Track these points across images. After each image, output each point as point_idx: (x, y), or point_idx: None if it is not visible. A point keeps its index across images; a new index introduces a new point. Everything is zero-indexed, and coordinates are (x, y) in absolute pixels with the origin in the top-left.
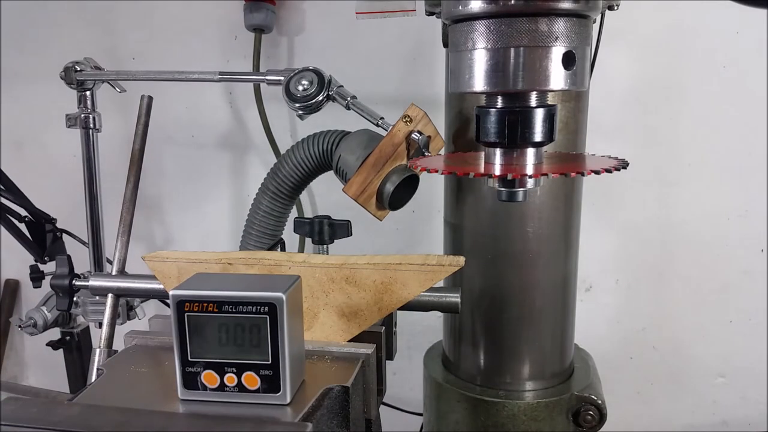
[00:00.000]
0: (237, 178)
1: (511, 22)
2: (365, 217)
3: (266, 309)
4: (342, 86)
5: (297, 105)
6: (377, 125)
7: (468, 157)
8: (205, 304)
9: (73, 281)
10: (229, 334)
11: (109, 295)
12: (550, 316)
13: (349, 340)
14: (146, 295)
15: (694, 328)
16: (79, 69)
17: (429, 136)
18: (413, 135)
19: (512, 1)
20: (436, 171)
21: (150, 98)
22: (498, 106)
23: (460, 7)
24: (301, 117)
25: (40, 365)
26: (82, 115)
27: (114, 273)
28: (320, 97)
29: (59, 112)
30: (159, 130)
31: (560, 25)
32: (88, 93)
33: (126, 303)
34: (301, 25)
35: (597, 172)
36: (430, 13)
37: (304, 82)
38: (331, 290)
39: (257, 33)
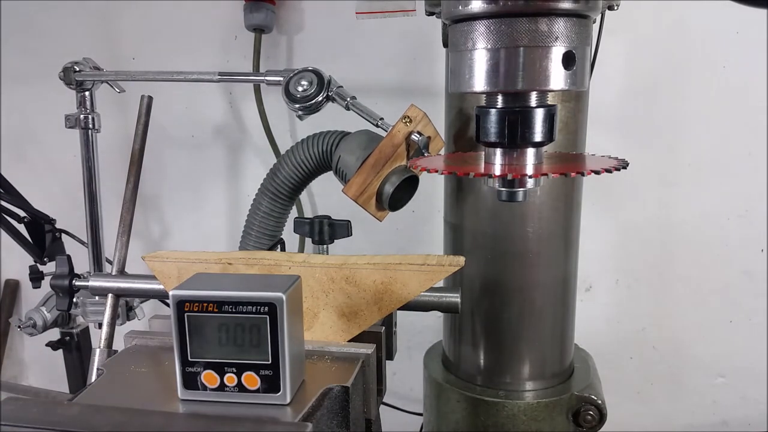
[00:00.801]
0: (236, 179)
1: (511, 22)
2: (365, 217)
3: (266, 309)
4: (341, 87)
5: (296, 105)
6: (377, 126)
7: (468, 157)
8: (205, 304)
9: (73, 281)
10: (229, 334)
11: (109, 295)
12: (550, 315)
13: (349, 340)
14: (146, 295)
15: (694, 328)
16: (78, 69)
17: (429, 137)
18: (413, 136)
19: (512, 2)
20: (437, 171)
21: (150, 98)
22: (498, 106)
23: (460, 7)
24: (300, 117)
25: (39, 366)
26: (81, 116)
27: (114, 273)
28: (320, 98)
29: (59, 113)
30: (159, 130)
31: (560, 25)
32: (87, 93)
33: (125, 303)
34: (301, 25)
35: (597, 172)
36: (430, 13)
37: (304, 82)
38: (331, 290)
39: (257, 33)
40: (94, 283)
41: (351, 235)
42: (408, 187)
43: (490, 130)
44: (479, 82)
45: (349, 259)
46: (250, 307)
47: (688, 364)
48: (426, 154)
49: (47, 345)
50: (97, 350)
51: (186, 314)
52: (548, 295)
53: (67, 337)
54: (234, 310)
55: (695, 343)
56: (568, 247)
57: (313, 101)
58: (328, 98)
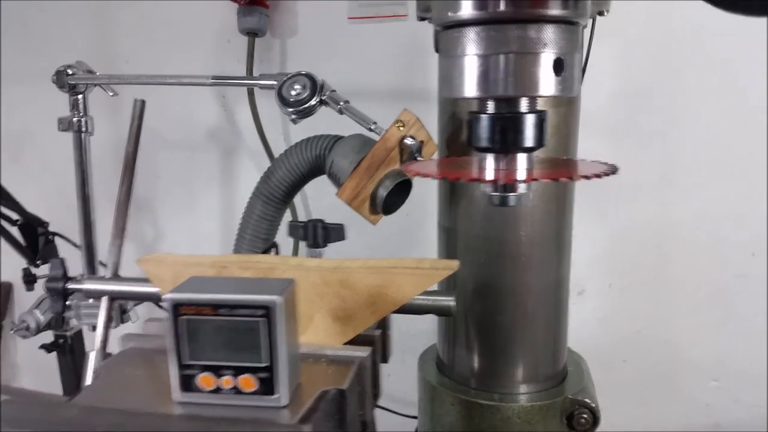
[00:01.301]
0: (230, 182)
1: (501, 29)
2: (359, 221)
3: (262, 312)
4: (335, 90)
5: (290, 109)
6: (370, 130)
7: (461, 161)
8: (201, 308)
9: (67, 284)
10: (225, 337)
11: (104, 298)
12: (543, 319)
13: (345, 344)
14: (141, 298)
15: (688, 332)
16: (70, 73)
17: (422, 141)
18: (406, 140)
19: (501, 8)
20: (430, 176)
21: (143, 102)
22: (489, 112)
23: (450, 14)
24: (294, 121)
25: (33, 368)
26: (74, 119)
27: (108, 276)
28: (313, 102)
29: (54, 114)
30: (152, 134)
31: (549, 32)
32: (80, 97)
33: (119, 306)
34: (294, 29)
35: (587, 178)
36: (421, 18)
37: (297, 86)
38: (326, 294)
39: (250, 36)
40: (89, 285)
41: (345, 238)
42: (401, 190)
43: (482, 136)
44: (470, 87)
45: (343, 263)
46: (246, 311)
47: (682, 368)
48: (419, 159)
49: (41, 348)
50: (92, 353)
51: (182, 317)
52: (541, 298)
53: (61, 340)
54: (230, 313)
55: (690, 347)
56: (560, 250)
57: (306, 105)
58: (321, 102)
